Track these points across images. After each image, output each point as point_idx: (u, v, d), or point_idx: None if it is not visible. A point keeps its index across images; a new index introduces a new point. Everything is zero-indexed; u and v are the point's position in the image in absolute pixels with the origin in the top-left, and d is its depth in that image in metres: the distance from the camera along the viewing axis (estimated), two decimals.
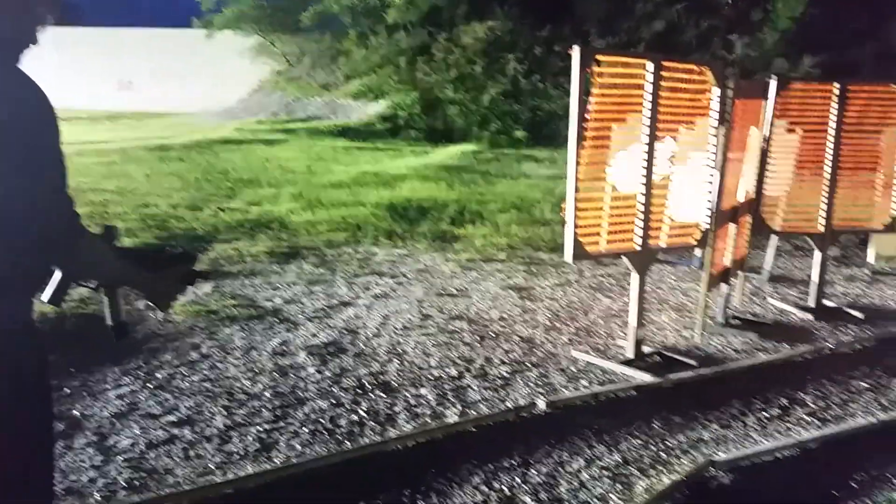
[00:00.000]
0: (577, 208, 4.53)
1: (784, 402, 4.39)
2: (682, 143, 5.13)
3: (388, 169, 12.75)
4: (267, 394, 4.24)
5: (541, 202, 10.35)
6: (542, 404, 4.17)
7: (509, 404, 4.21)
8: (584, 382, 4.60)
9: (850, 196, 6.36)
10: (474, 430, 3.90)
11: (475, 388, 4.44)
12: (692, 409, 4.23)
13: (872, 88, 6.18)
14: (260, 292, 6.21)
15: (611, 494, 3.30)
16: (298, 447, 3.64)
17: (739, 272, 6.05)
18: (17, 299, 1.73)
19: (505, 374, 4.68)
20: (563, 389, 4.48)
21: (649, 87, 4.68)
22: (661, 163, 4.95)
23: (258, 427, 3.83)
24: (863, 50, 17.00)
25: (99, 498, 3.14)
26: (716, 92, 4.99)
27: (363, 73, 22.74)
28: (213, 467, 3.43)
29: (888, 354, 5.29)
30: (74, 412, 3.90)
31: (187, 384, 4.34)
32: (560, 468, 3.51)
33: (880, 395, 4.56)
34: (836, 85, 6.09)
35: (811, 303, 6.34)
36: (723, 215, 5.28)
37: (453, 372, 4.67)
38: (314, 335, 5.24)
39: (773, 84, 5.90)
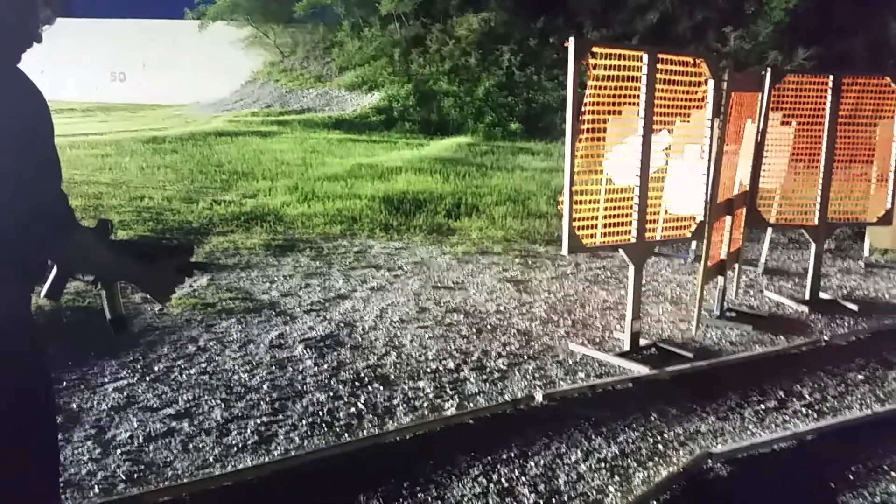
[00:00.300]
0: (573, 201, 4.53)
1: (781, 394, 4.42)
2: (678, 136, 5.15)
3: (383, 161, 12.74)
4: (265, 387, 4.25)
5: (536, 195, 10.35)
6: (539, 397, 4.18)
7: (507, 397, 4.23)
8: (581, 375, 4.62)
9: (845, 189, 6.38)
10: (472, 422, 3.91)
11: (473, 380, 4.45)
12: (689, 401, 4.25)
13: (866, 81, 6.20)
14: (256, 285, 6.20)
15: (609, 486, 3.32)
16: (297, 440, 3.65)
17: (735, 265, 6.07)
18: (12, 293, 1.72)
19: (502, 366, 4.69)
20: (561, 382, 4.49)
21: (645, 80, 4.69)
22: (657, 155, 4.97)
23: (257, 420, 3.84)
24: (856, 42, 17.02)
25: (98, 491, 3.14)
26: (711, 84, 5.00)
27: (357, 65, 22.67)
28: (212, 460, 3.43)
29: (883, 346, 5.32)
30: (73, 405, 3.90)
31: (185, 377, 4.34)
32: (558, 460, 3.53)
33: (876, 388, 4.59)
34: (831, 77, 6.10)
35: (806, 295, 6.36)
36: (718, 208, 5.29)
37: (451, 365, 4.68)
38: (311, 328, 5.25)
39: (767, 76, 5.91)
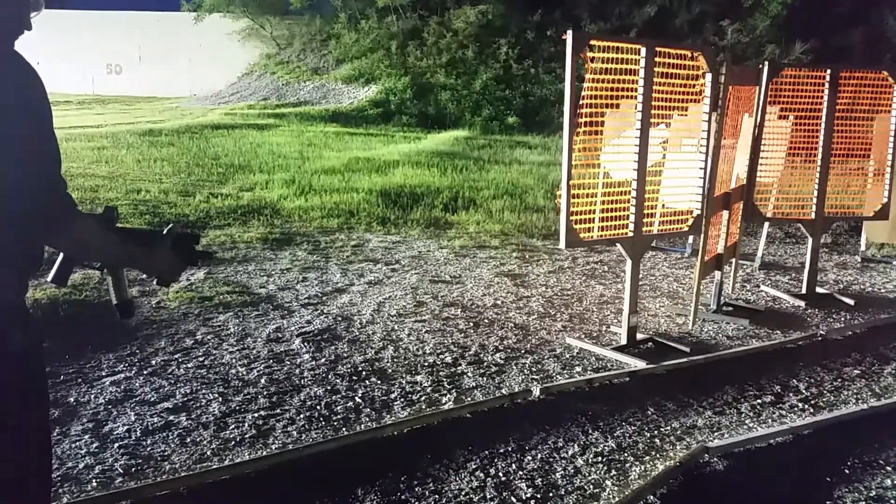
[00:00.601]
0: (570, 195, 4.53)
1: (777, 388, 4.43)
2: (675, 130, 5.15)
3: (381, 155, 12.71)
4: (262, 381, 4.25)
5: (534, 189, 10.35)
6: (536, 391, 4.19)
7: (504, 391, 4.23)
8: (578, 369, 4.63)
9: (842, 183, 6.39)
10: (470, 416, 3.92)
11: (470, 374, 4.46)
12: (686, 395, 4.26)
13: (864, 75, 6.20)
14: (253, 279, 6.20)
15: (606, 480, 3.33)
16: (295, 434, 3.65)
17: (732, 259, 6.08)
18: (6, 280, 1.72)
19: (500, 360, 4.69)
20: (558, 376, 4.50)
21: (642, 73, 4.68)
22: (655, 149, 4.96)
23: (254, 414, 3.84)
24: (854, 35, 17.01)
25: (96, 484, 3.14)
26: (709, 78, 4.99)
27: (354, 57, 22.58)
28: (209, 454, 3.43)
29: (879, 341, 5.33)
30: (70, 399, 3.89)
31: (182, 371, 4.34)
32: (555, 454, 3.54)
33: (872, 382, 4.61)
34: (828, 71, 6.10)
35: (803, 290, 6.38)
36: (715, 202, 5.30)
37: (448, 359, 4.68)
38: (309, 322, 5.25)
39: (764, 70, 5.91)
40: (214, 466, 3.30)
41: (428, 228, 8.38)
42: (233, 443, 3.54)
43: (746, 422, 3.98)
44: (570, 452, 3.56)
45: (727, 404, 4.19)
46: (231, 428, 3.69)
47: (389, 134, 16.90)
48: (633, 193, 4.83)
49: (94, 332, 4.80)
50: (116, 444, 3.47)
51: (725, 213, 5.62)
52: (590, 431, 3.79)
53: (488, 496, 3.16)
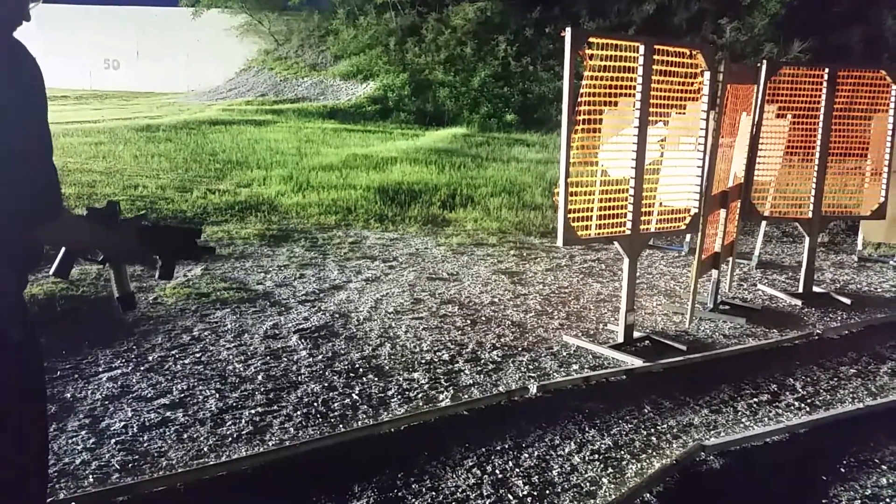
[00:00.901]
0: (568, 193, 4.53)
1: (773, 387, 4.44)
2: (673, 128, 5.15)
3: (379, 151, 12.70)
4: (259, 377, 4.25)
5: (531, 186, 10.35)
6: (533, 388, 4.19)
7: (501, 388, 4.23)
8: (575, 367, 4.63)
9: (839, 182, 6.40)
10: (467, 413, 3.92)
11: (467, 372, 4.46)
12: (682, 393, 4.27)
13: (862, 74, 6.20)
14: (251, 275, 6.20)
15: (602, 478, 3.33)
16: (292, 430, 3.65)
17: (729, 258, 6.08)
18: (6, 277, 1.71)
19: (497, 358, 4.70)
20: (555, 374, 4.50)
21: (641, 71, 4.68)
22: (653, 147, 4.97)
23: (251, 410, 3.84)
24: (852, 34, 17.02)
25: (92, 480, 3.14)
26: (707, 76, 4.99)
27: (352, 54, 22.53)
28: (206, 450, 3.43)
29: (876, 340, 5.35)
30: (67, 395, 3.89)
31: (179, 367, 4.34)
32: (552, 452, 3.54)
33: (868, 381, 4.62)
34: (826, 70, 6.10)
35: (800, 288, 6.39)
36: (713, 200, 5.30)
37: (445, 356, 4.69)
38: (306, 318, 5.24)
39: (763, 69, 5.91)
40: (211, 463, 3.30)
41: (425, 226, 8.38)
42: (230, 439, 3.55)
43: (743, 420, 3.99)
44: (567, 450, 3.57)
45: (724, 403, 4.19)
46: (228, 424, 3.69)
47: (387, 131, 16.88)
48: (631, 191, 4.83)
49: (90, 328, 4.80)
50: (113, 440, 3.47)
51: (723, 212, 5.63)
52: (586, 429, 3.79)
53: (485, 493, 3.16)
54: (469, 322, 5.33)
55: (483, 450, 3.52)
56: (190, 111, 18.79)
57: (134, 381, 4.12)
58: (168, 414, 3.76)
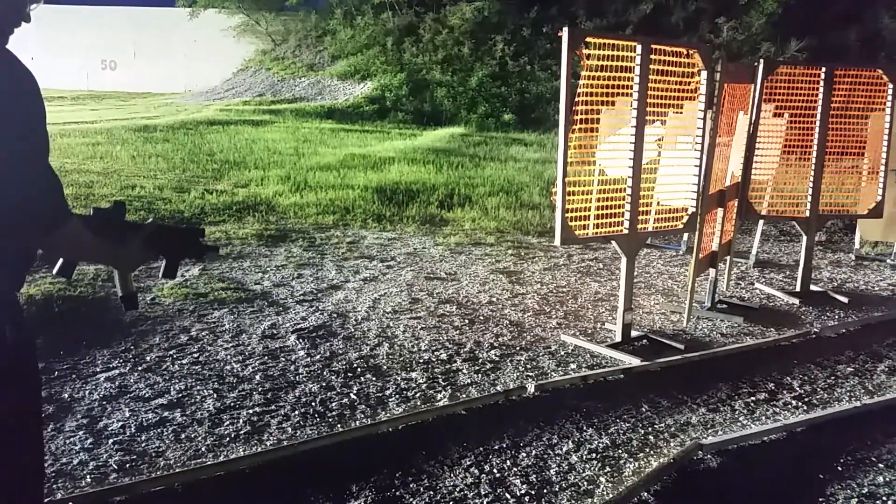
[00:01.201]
0: (566, 192, 4.53)
1: (771, 386, 4.45)
2: (671, 127, 5.15)
3: (376, 151, 12.70)
4: (257, 377, 4.25)
5: (529, 186, 10.35)
6: (531, 388, 4.19)
7: (499, 388, 4.24)
8: (572, 366, 4.64)
9: (836, 181, 6.41)
10: (464, 413, 3.92)
11: (465, 371, 4.46)
12: (680, 392, 4.27)
13: (858, 73, 6.21)
14: (248, 275, 6.19)
15: (600, 477, 3.33)
16: (290, 430, 3.65)
17: (727, 256, 6.09)
18: (1, 278, 1.71)
19: (495, 357, 4.70)
20: (553, 373, 4.51)
21: (638, 70, 4.68)
22: (650, 147, 4.97)
23: (249, 410, 3.84)
24: (849, 34, 17.04)
25: (90, 480, 3.14)
26: (704, 75, 5.00)
27: (350, 54, 22.53)
28: (204, 450, 3.43)
29: (873, 339, 5.35)
30: (64, 395, 3.89)
31: (177, 367, 4.34)
32: (549, 451, 3.55)
33: (865, 380, 4.62)
34: (823, 69, 6.11)
35: (797, 287, 6.40)
36: (710, 200, 5.31)
37: (443, 356, 4.69)
38: (304, 318, 5.24)
39: (760, 68, 5.91)
40: (209, 463, 3.30)
41: (423, 225, 8.38)
42: (227, 439, 3.54)
43: (740, 419, 3.99)
44: (565, 449, 3.57)
45: (721, 401, 4.20)
46: (226, 424, 3.69)
47: (385, 131, 16.88)
48: (629, 191, 4.84)
49: (88, 328, 4.80)
50: (111, 441, 3.47)
51: (720, 211, 5.64)
52: (584, 428, 3.79)
53: (482, 492, 3.16)
54: (467, 321, 5.34)
55: (481, 449, 3.53)
56: (187, 111, 18.78)
57: (132, 381, 4.12)
58: (166, 414, 3.76)
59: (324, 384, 4.19)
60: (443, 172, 10.97)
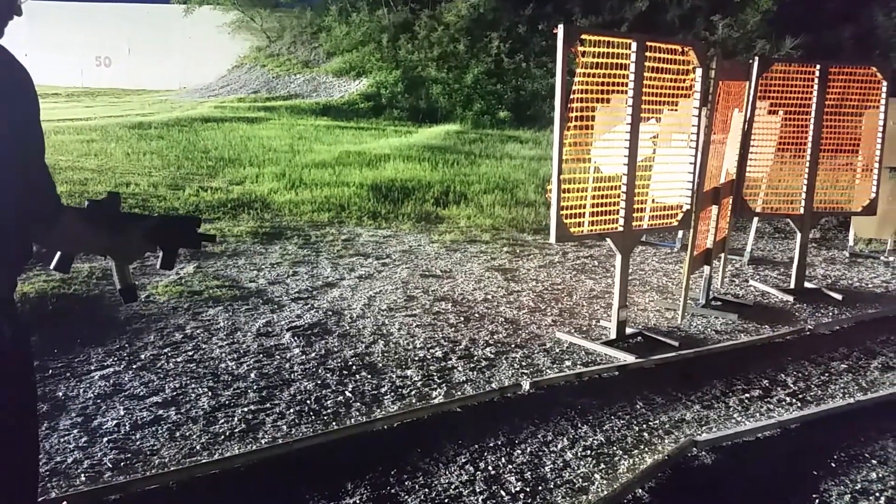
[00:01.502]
0: (561, 189, 4.54)
1: (765, 383, 4.46)
2: (665, 125, 5.16)
3: (371, 149, 12.69)
4: (252, 375, 4.24)
5: (524, 183, 10.36)
6: (526, 385, 4.20)
7: (494, 385, 4.24)
8: (567, 363, 4.64)
9: (831, 178, 6.43)
10: (459, 410, 3.93)
11: (460, 369, 4.46)
12: (674, 389, 4.28)
13: (853, 71, 6.22)
14: (243, 273, 6.19)
15: (594, 474, 3.34)
16: (284, 428, 3.65)
17: (721, 254, 6.10)
18: None
19: (490, 355, 4.70)
20: (548, 370, 4.51)
21: (633, 68, 4.69)
22: (645, 144, 4.97)
23: (244, 408, 3.84)
24: (844, 31, 17.07)
25: (84, 479, 3.13)
26: (699, 73, 5.00)
27: (345, 50, 22.49)
28: (199, 448, 3.43)
29: (867, 336, 5.37)
30: (58, 393, 3.88)
31: (172, 365, 4.33)
32: (544, 448, 3.55)
33: (859, 376, 4.64)
34: (818, 67, 6.12)
35: (791, 284, 6.41)
36: (705, 197, 5.31)
37: (438, 353, 4.69)
38: (299, 316, 5.24)
39: (755, 65, 5.92)
40: (204, 461, 3.30)
41: (419, 223, 8.38)
42: (222, 437, 3.54)
43: (734, 416, 4.00)
44: (560, 446, 3.58)
45: (715, 398, 4.21)
46: (221, 422, 3.68)
47: (380, 128, 16.87)
48: (623, 188, 4.84)
49: (82, 326, 4.79)
50: (105, 439, 3.46)
51: (715, 208, 5.65)
52: (579, 425, 3.80)
53: (478, 490, 3.17)
54: (462, 319, 5.34)
55: (476, 446, 3.53)
56: (182, 108, 18.74)
57: (126, 379, 4.11)
58: (160, 412, 3.76)
59: (319, 382, 4.19)
60: (438, 170, 10.97)
